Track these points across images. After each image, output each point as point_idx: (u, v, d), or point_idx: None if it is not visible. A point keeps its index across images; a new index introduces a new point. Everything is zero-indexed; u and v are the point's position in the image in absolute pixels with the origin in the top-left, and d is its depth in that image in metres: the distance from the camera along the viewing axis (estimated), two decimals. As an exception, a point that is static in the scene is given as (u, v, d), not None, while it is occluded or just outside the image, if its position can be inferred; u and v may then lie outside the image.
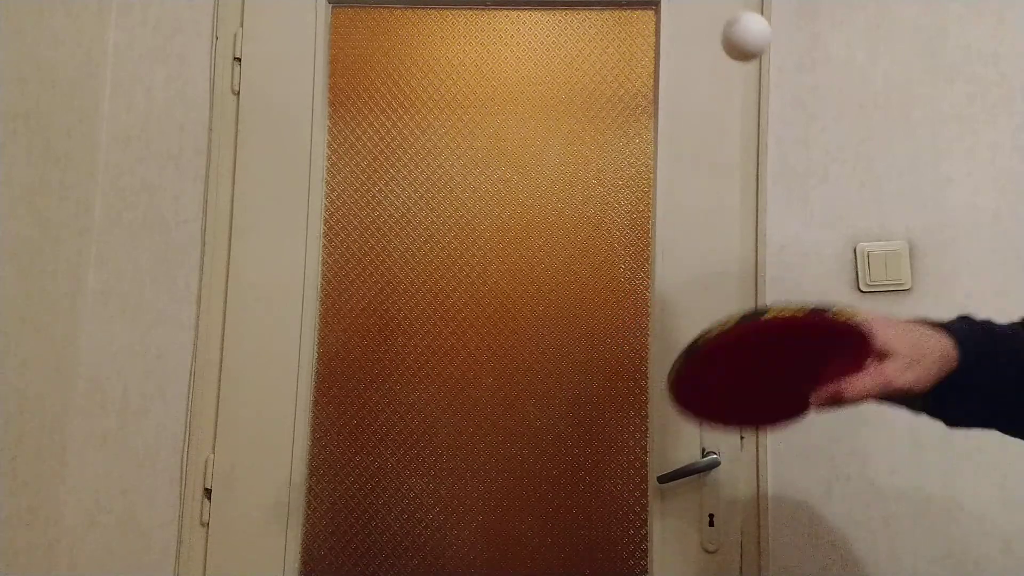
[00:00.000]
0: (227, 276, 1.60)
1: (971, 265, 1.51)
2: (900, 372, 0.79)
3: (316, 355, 1.60)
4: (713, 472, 1.51)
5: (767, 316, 0.79)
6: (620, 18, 1.66)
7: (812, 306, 0.80)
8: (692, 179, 1.59)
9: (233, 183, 1.62)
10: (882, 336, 0.79)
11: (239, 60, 1.64)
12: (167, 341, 1.58)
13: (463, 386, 1.59)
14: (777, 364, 0.84)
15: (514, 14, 1.67)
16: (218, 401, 1.58)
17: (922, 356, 0.80)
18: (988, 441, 1.45)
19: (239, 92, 1.63)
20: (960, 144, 1.54)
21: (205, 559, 1.55)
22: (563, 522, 1.55)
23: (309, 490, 1.58)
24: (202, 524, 1.55)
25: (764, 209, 1.55)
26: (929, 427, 0.99)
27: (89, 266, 1.59)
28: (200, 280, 1.59)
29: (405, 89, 1.66)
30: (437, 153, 1.64)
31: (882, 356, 0.80)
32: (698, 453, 1.52)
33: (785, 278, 1.53)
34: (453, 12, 1.67)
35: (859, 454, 1.49)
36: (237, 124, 1.63)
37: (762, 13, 1.59)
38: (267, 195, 1.62)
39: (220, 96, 1.63)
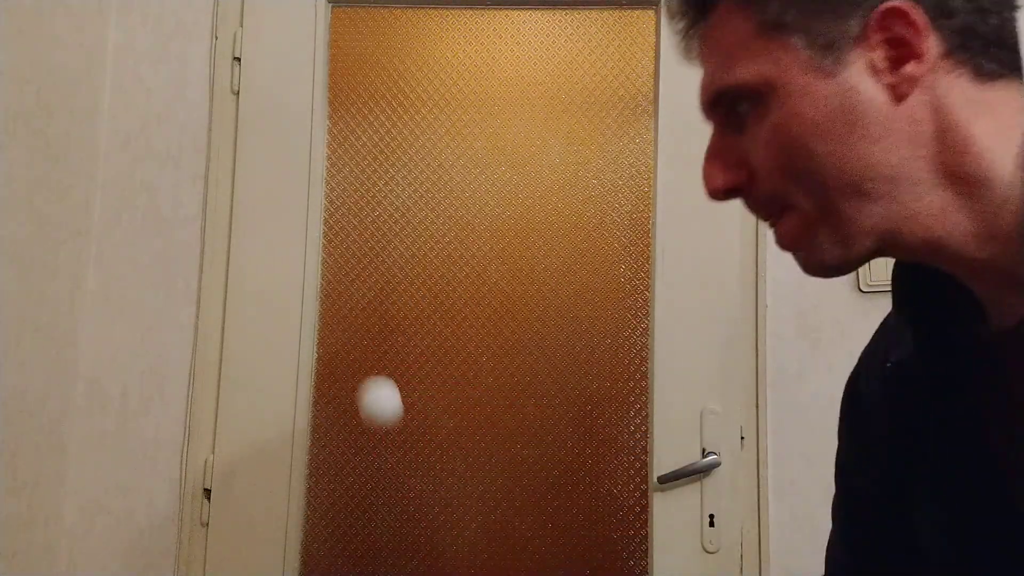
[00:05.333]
0: (227, 276, 1.60)
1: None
2: None
3: (316, 355, 1.60)
4: (713, 472, 1.51)
5: None
6: (620, 18, 1.66)
7: None
8: (692, 179, 1.58)
9: (233, 183, 1.62)
10: None
11: (239, 60, 1.64)
12: (167, 341, 1.58)
13: (463, 386, 1.59)
14: None
15: (514, 14, 1.67)
16: (218, 401, 1.57)
17: None
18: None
19: (239, 92, 1.63)
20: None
21: (205, 559, 1.54)
22: (563, 522, 1.55)
23: (309, 490, 1.58)
24: (202, 524, 1.55)
25: (764, 209, 1.55)
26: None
27: (89, 266, 1.59)
28: (200, 280, 1.59)
29: (405, 89, 1.66)
30: (437, 153, 1.64)
31: None
32: (698, 453, 1.52)
33: (785, 278, 1.53)
34: (453, 12, 1.67)
35: (859, 454, 1.49)
36: (237, 124, 1.63)
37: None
38: (267, 195, 1.62)
39: (219, 96, 1.63)
